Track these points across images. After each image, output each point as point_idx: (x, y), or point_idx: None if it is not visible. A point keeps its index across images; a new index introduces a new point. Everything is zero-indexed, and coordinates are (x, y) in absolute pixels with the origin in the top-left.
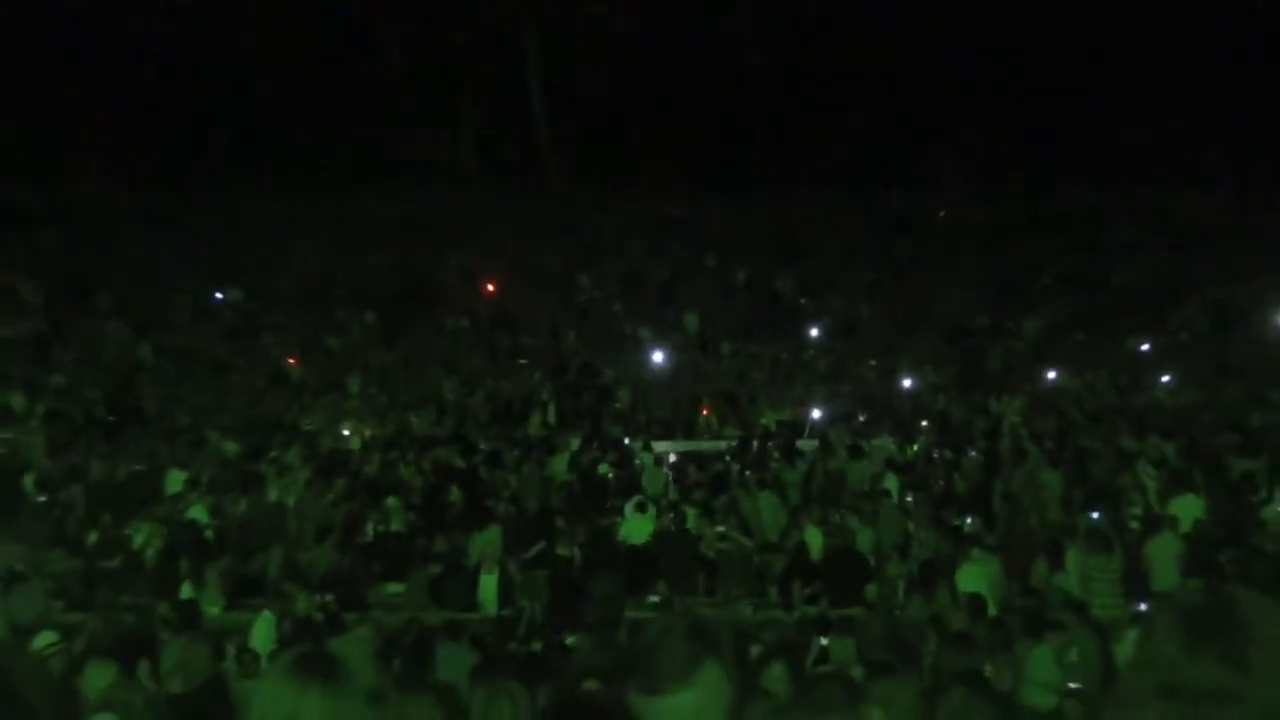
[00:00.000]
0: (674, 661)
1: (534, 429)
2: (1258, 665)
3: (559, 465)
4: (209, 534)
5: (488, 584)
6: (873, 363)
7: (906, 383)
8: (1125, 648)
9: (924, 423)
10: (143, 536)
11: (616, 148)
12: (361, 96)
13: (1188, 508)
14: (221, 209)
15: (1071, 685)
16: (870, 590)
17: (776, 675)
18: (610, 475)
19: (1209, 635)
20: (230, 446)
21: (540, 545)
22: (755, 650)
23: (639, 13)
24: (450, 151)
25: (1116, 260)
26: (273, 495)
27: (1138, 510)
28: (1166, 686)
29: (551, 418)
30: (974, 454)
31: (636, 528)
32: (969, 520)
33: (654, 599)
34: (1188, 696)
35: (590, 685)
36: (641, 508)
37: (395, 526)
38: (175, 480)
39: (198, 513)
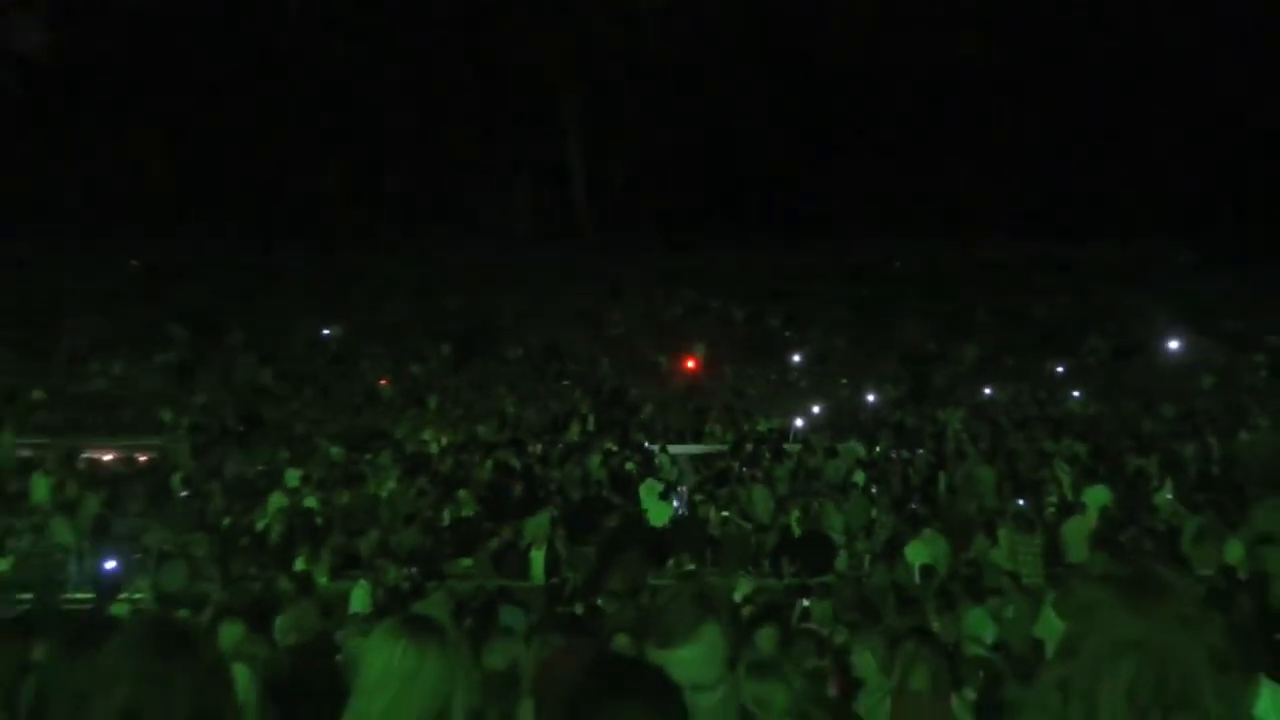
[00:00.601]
0: (681, 622)
1: (574, 435)
2: (1175, 623)
3: (594, 463)
4: (319, 520)
5: (537, 559)
6: (844, 382)
7: (870, 398)
8: (1047, 610)
9: (884, 430)
10: (266, 522)
11: (639, 210)
12: (434, 169)
13: (1095, 496)
14: (326, 262)
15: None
16: (841, 562)
17: (766, 635)
18: (635, 471)
19: (1145, 599)
20: (335, 450)
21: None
22: (748, 612)
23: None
24: (505, 216)
25: (1036, 300)
26: (369, 489)
27: (1054, 498)
28: (1132, 642)
29: (590, 427)
30: (924, 454)
31: (657, 512)
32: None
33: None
34: (1153, 651)
35: (620, 641)
36: (663, 495)
37: (465, 513)
38: (292, 477)
39: (310, 503)
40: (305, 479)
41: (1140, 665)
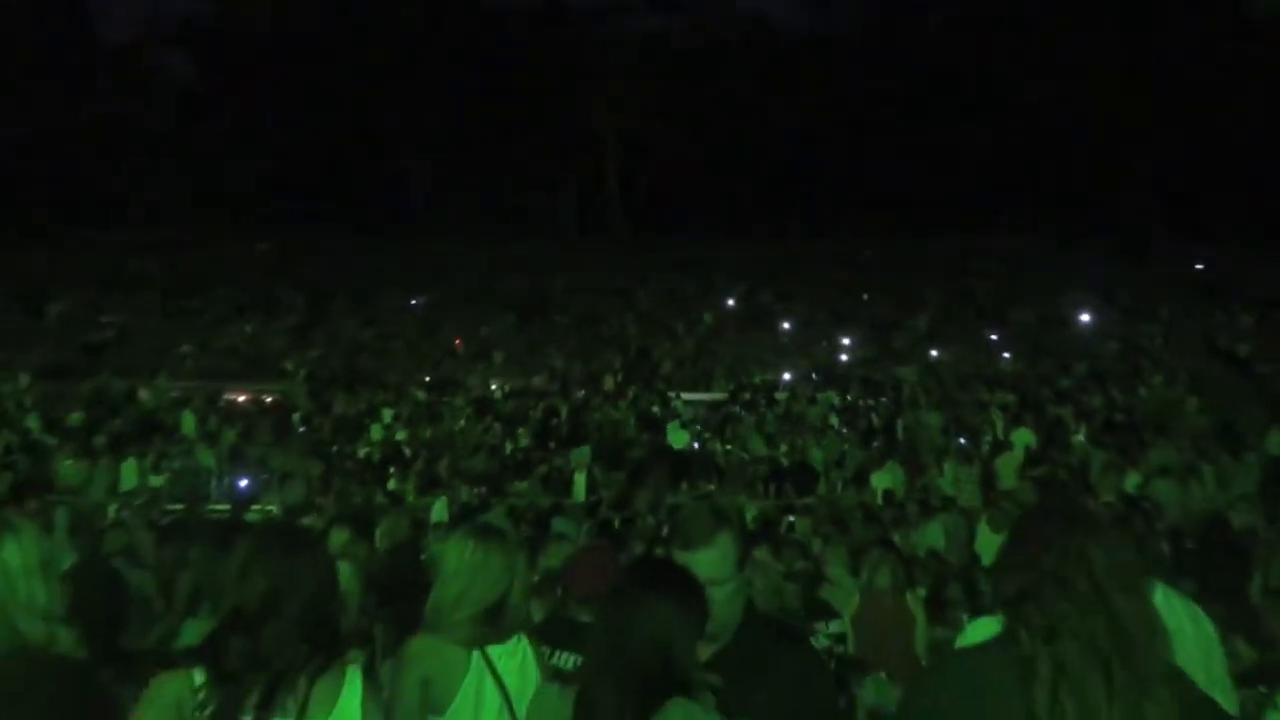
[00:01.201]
0: (701, 530)
1: (608, 386)
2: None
3: (624, 407)
4: (407, 449)
5: (579, 481)
6: (823, 344)
7: (844, 357)
8: (982, 527)
9: (854, 382)
10: (366, 450)
11: (661, 212)
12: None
13: (1021, 437)
14: (420, 248)
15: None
16: (820, 487)
17: (761, 553)
18: (657, 414)
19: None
20: (420, 394)
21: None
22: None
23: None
24: (557, 216)
25: (976, 281)
26: (446, 425)
27: (989, 438)
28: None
29: (620, 379)
30: (885, 402)
31: (677, 438)
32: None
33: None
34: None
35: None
36: (682, 427)
37: (523, 445)
38: (386, 415)
39: (400, 435)
40: (396, 417)
41: (1058, 567)
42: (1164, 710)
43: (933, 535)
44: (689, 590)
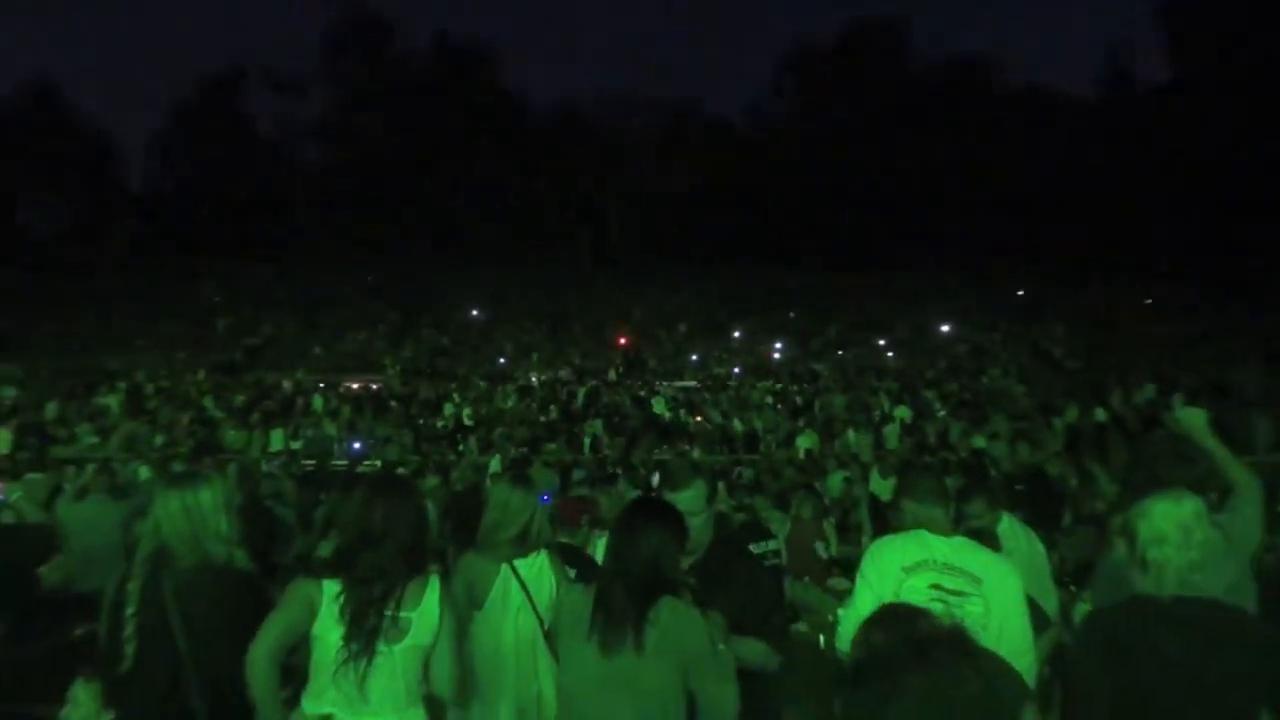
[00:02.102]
0: (683, 476)
1: (612, 377)
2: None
3: (622, 392)
4: (469, 421)
5: (586, 444)
6: (762, 347)
7: (776, 356)
8: (874, 474)
9: (785, 374)
10: (442, 422)
11: (650, 250)
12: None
13: (901, 412)
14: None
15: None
16: (760, 447)
17: (721, 493)
18: (645, 396)
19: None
20: (480, 383)
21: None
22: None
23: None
24: (576, 254)
25: (868, 302)
26: (499, 404)
27: (878, 413)
28: (925, 490)
29: (620, 371)
30: (806, 388)
31: (661, 412)
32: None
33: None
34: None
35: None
36: (666, 403)
37: (554, 419)
38: (456, 397)
39: (466, 412)
40: (463, 399)
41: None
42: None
43: (839, 480)
44: (674, 520)
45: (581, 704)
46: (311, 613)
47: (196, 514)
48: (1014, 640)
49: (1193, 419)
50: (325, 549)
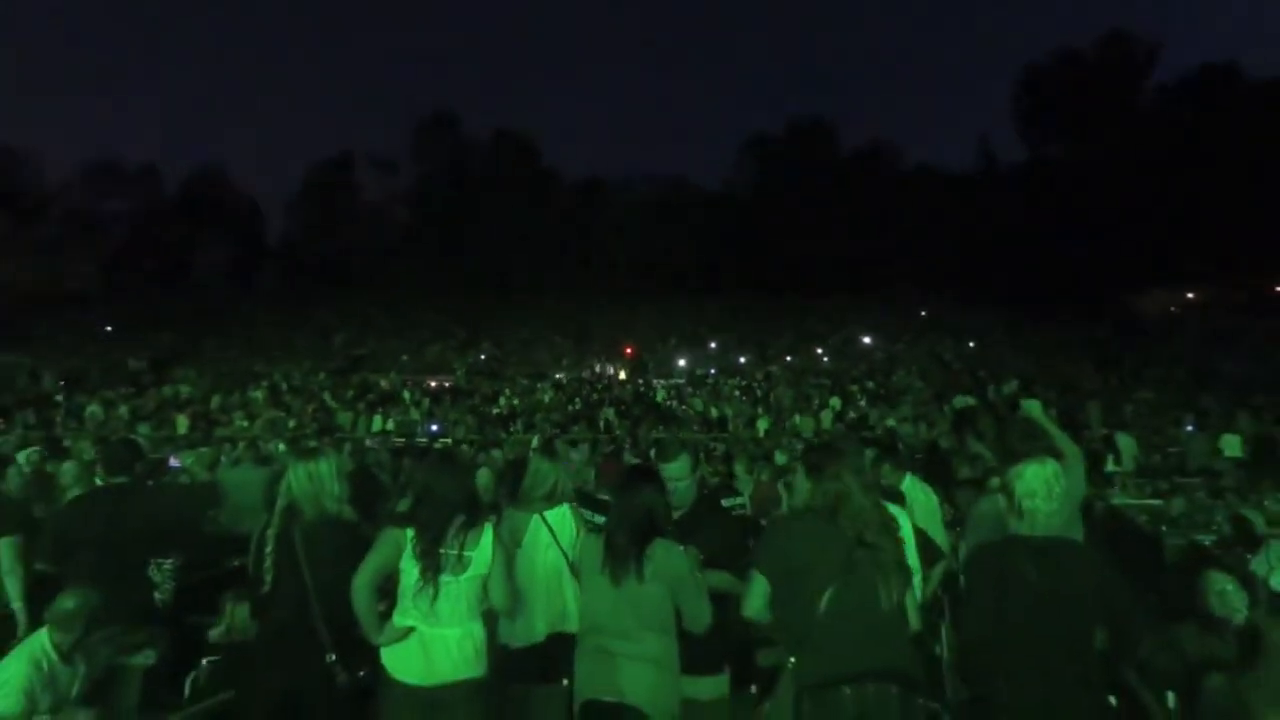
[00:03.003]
0: (673, 449)
1: (622, 375)
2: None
3: (629, 387)
4: (519, 408)
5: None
6: (730, 354)
7: (741, 360)
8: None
9: (749, 374)
10: (496, 410)
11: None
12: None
13: (833, 403)
14: (528, 306)
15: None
16: (730, 428)
17: (701, 462)
18: (645, 390)
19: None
20: (524, 381)
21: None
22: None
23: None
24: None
25: (810, 321)
26: (539, 397)
27: (816, 402)
28: (846, 470)
29: (627, 373)
30: (762, 383)
31: (661, 399)
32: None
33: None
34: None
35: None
36: (665, 393)
37: (578, 408)
38: (507, 391)
39: (515, 403)
40: (512, 392)
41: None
42: (890, 536)
43: (783, 455)
44: (659, 482)
45: (601, 619)
46: (398, 552)
47: (317, 479)
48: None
49: (1031, 407)
50: (403, 505)
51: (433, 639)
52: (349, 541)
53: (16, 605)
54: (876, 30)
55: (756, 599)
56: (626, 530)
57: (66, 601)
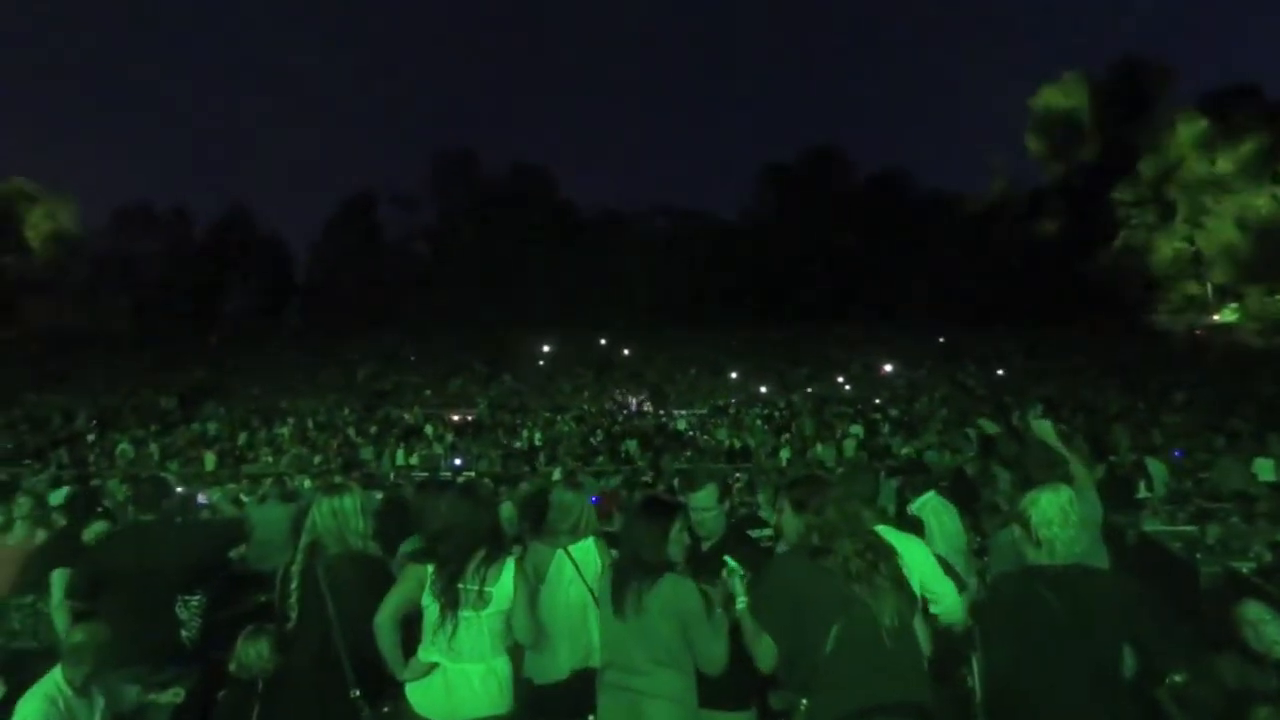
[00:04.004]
0: (699, 480)
1: (643, 407)
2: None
3: (650, 419)
4: (539, 442)
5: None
6: (750, 384)
7: (763, 390)
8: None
9: (768, 404)
10: (518, 443)
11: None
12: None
13: (856, 430)
14: (544, 339)
15: None
16: (754, 458)
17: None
18: (666, 420)
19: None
20: (546, 414)
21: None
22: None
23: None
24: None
25: (832, 350)
26: (560, 429)
27: (839, 431)
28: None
29: (649, 404)
30: (784, 413)
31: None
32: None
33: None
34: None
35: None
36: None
37: (600, 439)
38: (529, 425)
39: (537, 435)
40: (534, 425)
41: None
42: (894, 567)
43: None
44: (667, 513)
45: (616, 655)
46: (420, 587)
47: (341, 515)
48: (935, 585)
49: (1042, 428)
50: (410, 543)
51: (455, 674)
52: (373, 577)
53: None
54: (884, 59)
55: (768, 655)
56: (633, 563)
57: (76, 635)
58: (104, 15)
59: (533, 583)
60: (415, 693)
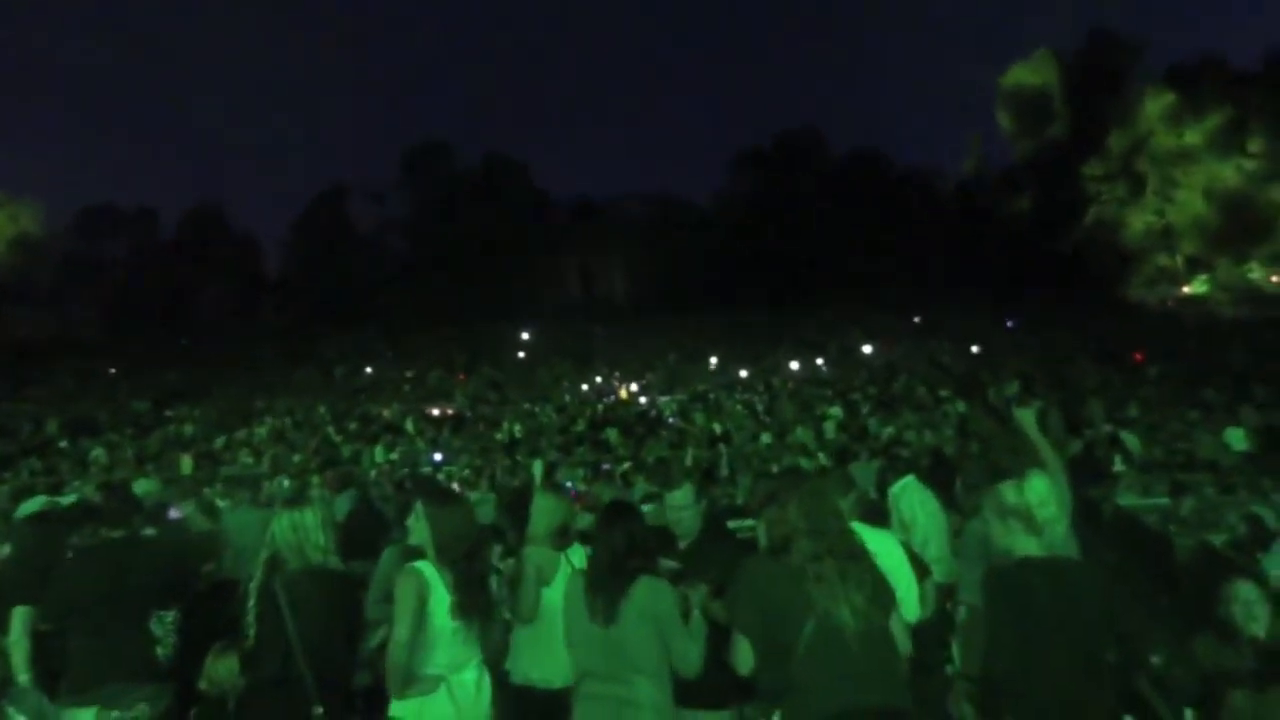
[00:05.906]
0: (676, 479)
1: (624, 395)
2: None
3: (631, 407)
4: (520, 434)
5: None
6: (730, 369)
7: (743, 374)
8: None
9: (749, 389)
10: (500, 435)
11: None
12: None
13: (835, 412)
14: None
15: None
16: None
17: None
18: (651, 408)
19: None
20: (526, 406)
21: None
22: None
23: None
24: (593, 306)
25: (812, 331)
26: (541, 420)
27: (819, 412)
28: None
29: (630, 391)
30: (764, 396)
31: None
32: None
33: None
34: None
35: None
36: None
37: (580, 428)
38: (511, 418)
39: (518, 428)
40: (514, 418)
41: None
42: (862, 568)
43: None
44: (635, 516)
45: (590, 663)
46: (422, 597)
47: (301, 530)
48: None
49: (1024, 416)
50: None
51: (456, 684)
52: (334, 591)
53: (22, 677)
54: (856, 38)
55: (746, 659)
56: (606, 567)
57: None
58: (58, 13)
59: (536, 585)
60: (411, 710)
